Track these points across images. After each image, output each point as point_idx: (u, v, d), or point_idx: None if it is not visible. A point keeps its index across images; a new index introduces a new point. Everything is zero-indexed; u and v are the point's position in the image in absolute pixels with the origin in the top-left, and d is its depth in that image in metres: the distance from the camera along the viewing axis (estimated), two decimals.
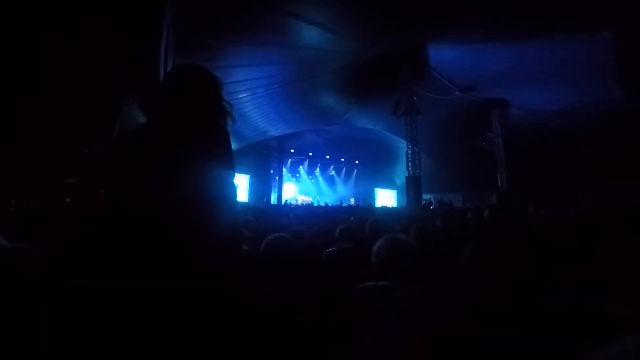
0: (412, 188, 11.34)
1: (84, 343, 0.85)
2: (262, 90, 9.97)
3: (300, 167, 18.89)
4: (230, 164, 1.13)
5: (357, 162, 20.12)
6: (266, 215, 4.75)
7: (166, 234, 0.92)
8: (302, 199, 18.35)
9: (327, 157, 19.29)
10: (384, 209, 11.45)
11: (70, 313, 0.89)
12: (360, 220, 2.86)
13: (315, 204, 14.97)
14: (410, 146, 11.79)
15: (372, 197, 19.63)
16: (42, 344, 0.90)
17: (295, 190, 18.70)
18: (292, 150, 17.69)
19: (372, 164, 19.34)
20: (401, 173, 15.32)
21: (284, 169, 17.68)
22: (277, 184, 17.15)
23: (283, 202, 15.87)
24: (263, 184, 16.30)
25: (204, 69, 1.15)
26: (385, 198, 20.09)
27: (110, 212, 1.04)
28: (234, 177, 1.15)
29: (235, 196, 1.15)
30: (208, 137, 1.07)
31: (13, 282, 1.20)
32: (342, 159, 19.81)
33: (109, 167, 1.11)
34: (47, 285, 1.07)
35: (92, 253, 0.98)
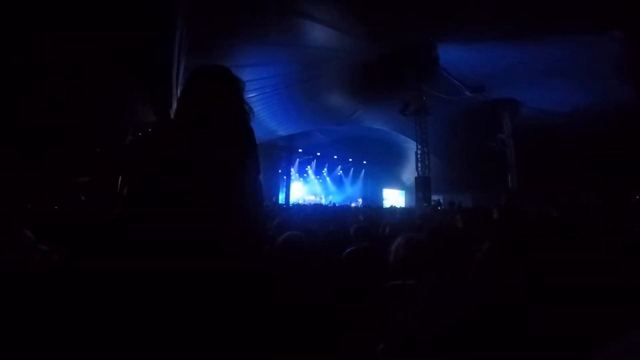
0: (421, 188, 11.27)
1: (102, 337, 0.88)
2: (270, 90, 9.99)
3: (308, 167, 18.92)
4: (257, 161, 1.15)
5: (364, 162, 20.07)
6: (278, 214, 4.77)
7: (196, 229, 0.94)
8: (311, 199, 18.37)
9: (335, 157, 19.29)
10: (400, 209, 11.40)
11: (89, 307, 0.91)
12: (373, 220, 2.87)
13: (325, 204, 15.01)
14: (419, 146, 11.72)
15: (379, 198, 19.56)
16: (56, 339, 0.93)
17: (303, 190, 18.74)
18: (300, 150, 17.72)
19: (380, 164, 19.27)
20: (409, 173, 15.26)
21: (292, 169, 17.73)
22: (285, 184, 17.21)
23: (291, 203, 15.95)
24: (271, 183, 16.36)
25: (226, 69, 1.17)
26: (394, 198, 20.00)
27: (132, 210, 1.06)
28: (259, 173, 1.18)
29: (262, 192, 1.17)
30: (235, 137, 1.10)
31: (33, 275, 1.23)
32: (350, 159, 19.78)
33: (130, 166, 1.14)
34: (66, 282, 1.08)
35: (114, 251, 1.00)
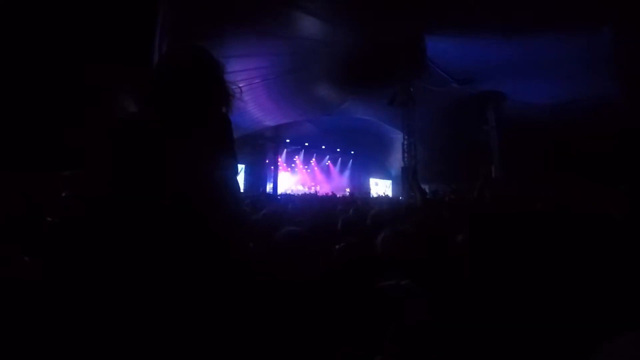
0: (407, 178, 11.43)
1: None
2: (258, 81, 9.86)
3: (296, 157, 18.83)
4: (233, 155, 1.08)
5: (352, 152, 20.13)
6: (266, 206, 4.75)
7: (166, 224, 0.90)
8: (299, 189, 18.36)
9: (323, 147, 19.24)
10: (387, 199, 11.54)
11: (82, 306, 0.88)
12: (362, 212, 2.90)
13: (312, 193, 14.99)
14: (406, 137, 11.83)
15: (367, 187, 19.73)
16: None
17: (291, 180, 18.69)
18: (287, 140, 17.59)
19: (367, 154, 19.37)
20: (396, 163, 15.40)
21: (280, 159, 17.63)
22: (272, 174, 17.12)
23: (279, 193, 15.90)
24: (258, 173, 16.25)
25: (201, 50, 1.06)
26: (381, 188, 20.22)
27: (106, 204, 0.98)
28: (235, 164, 1.10)
29: (238, 188, 1.12)
30: (205, 125, 1.01)
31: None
32: (338, 149, 19.80)
33: (105, 158, 1.03)
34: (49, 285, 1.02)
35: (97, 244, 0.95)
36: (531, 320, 0.77)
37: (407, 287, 1.06)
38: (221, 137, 1.06)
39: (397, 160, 14.73)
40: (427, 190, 11.60)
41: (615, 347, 0.44)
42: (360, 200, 7.71)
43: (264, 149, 16.58)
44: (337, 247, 1.48)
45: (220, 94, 1.06)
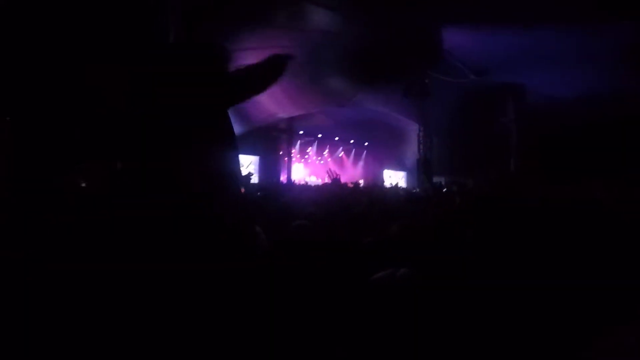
0: (423, 170, 11.34)
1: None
2: None
3: (309, 148, 18.83)
4: (228, 143, 1.09)
5: (366, 143, 19.96)
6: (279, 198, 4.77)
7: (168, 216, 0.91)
8: (313, 180, 18.39)
9: (337, 138, 19.14)
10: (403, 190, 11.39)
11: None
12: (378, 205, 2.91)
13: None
14: (421, 128, 11.67)
15: (381, 179, 19.55)
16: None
17: (304, 171, 18.74)
18: (301, 132, 17.60)
19: (381, 145, 19.15)
20: (411, 155, 15.23)
21: (293, 150, 17.68)
22: (286, 166, 17.22)
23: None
24: (272, 165, 16.37)
25: (202, 45, 1.12)
26: (394, 180, 20.01)
27: (108, 199, 1.02)
28: (234, 155, 1.12)
29: (239, 173, 1.14)
30: (202, 119, 1.03)
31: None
32: (352, 141, 19.66)
33: (106, 155, 1.06)
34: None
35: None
36: (531, 314, 0.78)
37: (404, 277, 1.02)
38: (219, 131, 1.06)
39: (411, 151, 14.57)
40: (442, 183, 11.47)
41: (614, 347, 0.45)
42: (377, 191, 7.59)
43: (277, 140, 16.67)
44: (365, 241, 1.48)
45: (217, 89, 1.07)
